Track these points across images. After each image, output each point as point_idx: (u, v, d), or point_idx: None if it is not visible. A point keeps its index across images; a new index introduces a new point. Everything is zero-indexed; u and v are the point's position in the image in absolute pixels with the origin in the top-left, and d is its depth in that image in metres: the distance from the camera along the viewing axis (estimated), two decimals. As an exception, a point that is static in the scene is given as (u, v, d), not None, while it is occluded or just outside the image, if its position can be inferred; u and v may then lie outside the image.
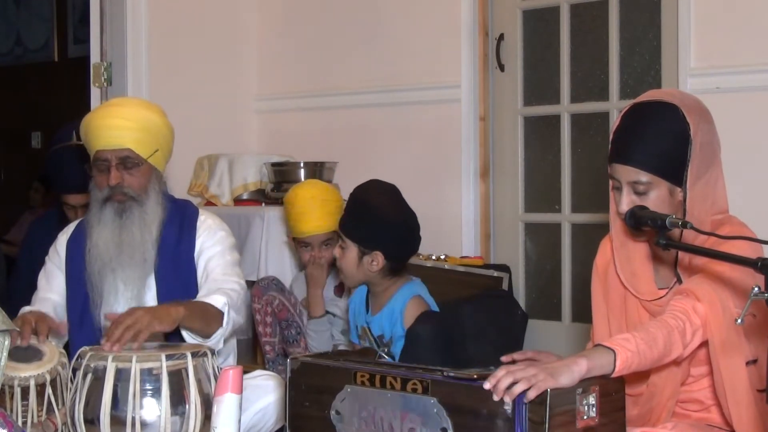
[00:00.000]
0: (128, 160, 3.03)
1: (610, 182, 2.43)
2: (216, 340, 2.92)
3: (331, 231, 3.74)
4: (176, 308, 2.77)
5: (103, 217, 3.06)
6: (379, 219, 3.11)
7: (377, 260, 3.11)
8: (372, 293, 3.22)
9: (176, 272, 3.09)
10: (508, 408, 2.09)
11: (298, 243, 3.86)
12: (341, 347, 3.72)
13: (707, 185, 2.39)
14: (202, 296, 3.00)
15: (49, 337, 2.88)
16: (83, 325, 3.10)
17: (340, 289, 3.83)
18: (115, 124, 3.02)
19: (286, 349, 3.85)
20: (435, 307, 3.22)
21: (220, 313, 2.92)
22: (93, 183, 3.11)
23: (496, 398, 2.09)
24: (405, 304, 3.13)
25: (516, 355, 2.45)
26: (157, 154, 3.07)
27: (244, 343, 4.34)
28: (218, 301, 2.93)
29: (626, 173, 2.37)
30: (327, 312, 3.79)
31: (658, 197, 2.36)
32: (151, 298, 3.08)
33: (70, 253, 3.17)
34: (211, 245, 3.13)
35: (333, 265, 3.79)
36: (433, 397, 2.19)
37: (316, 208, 3.78)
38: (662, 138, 2.35)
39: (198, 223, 3.16)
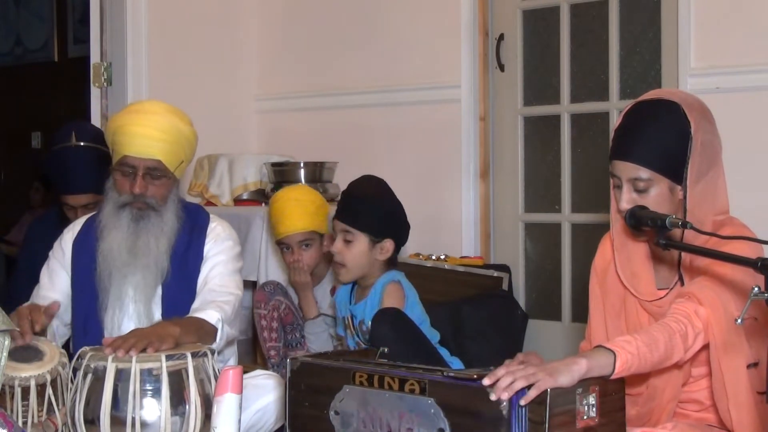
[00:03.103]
0: (155, 171, 3.02)
1: (611, 180, 2.43)
2: None
3: (308, 231, 3.78)
4: (174, 327, 2.75)
5: (119, 221, 3.04)
6: (389, 208, 3.27)
7: (388, 248, 3.23)
8: (360, 285, 3.31)
9: (182, 279, 3.08)
10: (504, 409, 2.09)
11: (280, 246, 3.86)
12: (341, 347, 3.73)
13: (708, 186, 2.38)
14: (196, 308, 2.99)
15: (48, 326, 2.91)
16: (88, 326, 3.09)
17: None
18: (149, 134, 3.01)
19: (288, 354, 3.85)
20: (414, 296, 3.27)
21: (214, 329, 2.91)
22: (111, 183, 3.09)
23: (493, 397, 2.10)
24: (384, 286, 3.22)
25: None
26: (182, 166, 3.08)
27: (244, 343, 4.34)
28: (212, 317, 2.92)
29: (626, 170, 2.37)
30: (324, 314, 3.80)
31: (658, 195, 2.36)
32: (156, 304, 3.08)
33: (77, 254, 3.16)
34: (216, 253, 3.12)
35: (329, 264, 3.82)
36: (430, 398, 2.20)
37: (293, 208, 3.81)
38: (663, 135, 2.35)
39: (208, 230, 3.16)
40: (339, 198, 3.34)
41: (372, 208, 3.25)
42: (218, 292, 3.04)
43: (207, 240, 3.14)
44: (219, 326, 2.92)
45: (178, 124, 3.07)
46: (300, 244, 3.78)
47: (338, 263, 3.26)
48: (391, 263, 3.28)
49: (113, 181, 3.09)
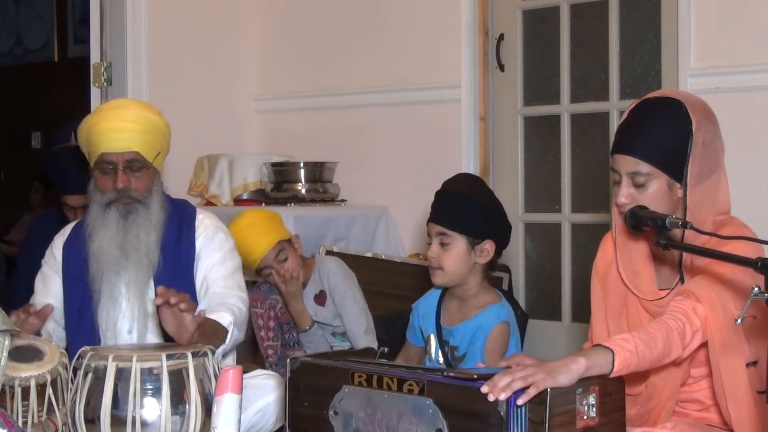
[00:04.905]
0: (134, 163, 3.02)
1: (611, 176, 2.43)
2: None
3: (275, 243, 3.72)
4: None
5: (107, 220, 3.04)
6: (485, 204, 3.01)
7: (488, 250, 2.99)
8: (457, 297, 3.06)
9: (175, 273, 3.07)
10: (501, 409, 2.08)
11: (260, 274, 3.82)
12: (336, 347, 3.72)
13: (709, 189, 2.38)
14: (208, 312, 2.96)
15: (40, 328, 2.93)
16: (81, 327, 3.08)
17: (321, 298, 3.84)
18: (122, 127, 3.01)
19: (286, 353, 3.85)
20: (516, 337, 3.05)
21: (225, 331, 2.90)
22: (93, 185, 3.09)
23: (491, 398, 2.09)
24: (492, 327, 2.97)
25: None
26: (159, 156, 3.08)
27: (244, 342, 4.32)
28: (225, 319, 2.91)
29: (626, 164, 2.37)
30: (316, 321, 3.80)
31: (657, 190, 2.36)
32: (149, 299, 3.06)
33: (67, 256, 3.15)
34: (210, 250, 3.11)
35: (310, 270, 3.82)
36: (428, 398, 2.19)
37: (250, 235, 3.72)
38: (664, 131, 2.36)
39: (196, 223, 3.15)
40: (433, 200, 3.05)
41: (466, 206, 2.97)
42: (223, 294, 3.03)
43: (197, 233, 3.13)
44: (230, 329, 2.91)
45: (148, 115, 3.07)
46: (276, 259, 3.76)
47: (435, 267, 2.99)
48: (492, 267, 3.05)
49: (94, 182, 3.09)
